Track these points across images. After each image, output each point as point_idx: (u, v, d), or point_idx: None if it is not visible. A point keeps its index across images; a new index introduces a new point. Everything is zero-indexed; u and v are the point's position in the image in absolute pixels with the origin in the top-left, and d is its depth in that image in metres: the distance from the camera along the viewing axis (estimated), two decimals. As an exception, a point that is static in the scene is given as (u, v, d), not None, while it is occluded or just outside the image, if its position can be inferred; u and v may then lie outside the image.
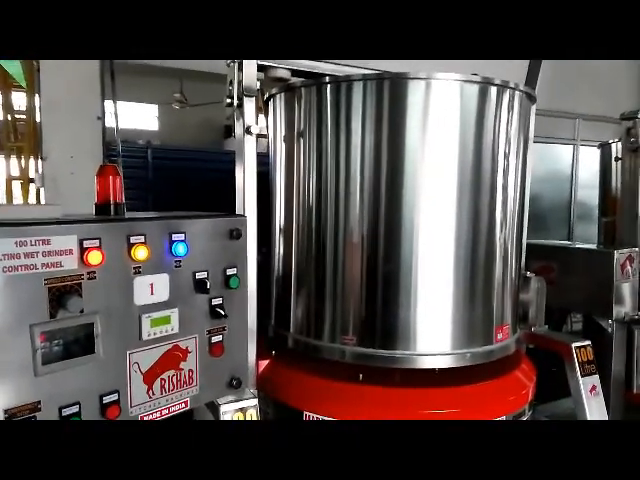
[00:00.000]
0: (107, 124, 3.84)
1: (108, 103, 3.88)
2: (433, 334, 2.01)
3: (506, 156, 2.10)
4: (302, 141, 2.12)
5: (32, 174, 4.23)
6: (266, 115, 2.45)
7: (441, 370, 2.02)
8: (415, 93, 1.92)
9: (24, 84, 3.95)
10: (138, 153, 3.98)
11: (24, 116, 4.54)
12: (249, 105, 1.95)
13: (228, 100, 1.96)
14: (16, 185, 4.71)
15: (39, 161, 3.67)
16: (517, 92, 2.10)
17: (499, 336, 2.14)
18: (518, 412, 2.10)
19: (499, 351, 2.14)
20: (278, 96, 2.25)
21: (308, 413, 1.97)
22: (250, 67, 1.99)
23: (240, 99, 1.93)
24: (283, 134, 2.25)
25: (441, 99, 1.94)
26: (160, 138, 8.22)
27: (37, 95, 3.80)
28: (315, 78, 2.15)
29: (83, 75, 3.59)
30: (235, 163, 2.08)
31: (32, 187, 4.33)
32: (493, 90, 2.02)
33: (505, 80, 2.04)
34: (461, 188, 1.98)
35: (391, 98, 1.93)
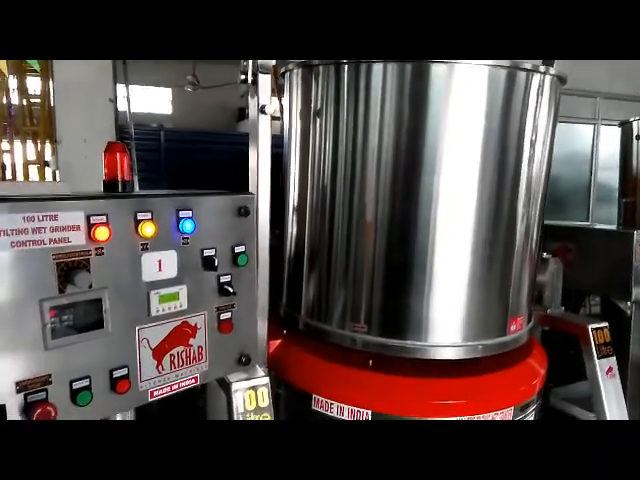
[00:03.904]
0: (120, 108, 3.86)
1: (121, 87, 3.89)
2: (446, 325, 1.97)
3: (532, 144, 2.00)
4: (318, 120, 2.06)
5: (48, 158, 4.27)
6: (279, 95, 2.40)
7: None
8: (438, 77, 1.83)
9: (38, 68, 3.97)
10: (151, 136, 3.99)
11: (39, 100, 4.57)
12: (264, 83, 1.89)
13: (242, 77, 1.89)
14: (33, 169, 4.77)
15: (54, 144, 3.71)
16: (547, 76, 1.98)
17: (512, 328, 2.09)
18: (526, 402, 2.07)
19: (512, 343, 2.10)
20: (295, 71, 2.18)
21: (317, 396, 1.96)
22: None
23: (255, 75, 1.87)
24: (299, 111, 2.18)
25: (466, 84, 1.84)
26: (174, 121, 8.24)
27: (51, 79, 3.83)
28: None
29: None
30: (248, 144, 2.02)
31: (48, 171, 4.37)
32: (522, 75, 1.90)
33: (535, 64, 1.93)
34: (483, 177, 1.90)
35: (413, 82, 1.85)
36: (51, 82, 3.85)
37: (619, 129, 3.80)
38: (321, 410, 1.94)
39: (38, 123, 4.67)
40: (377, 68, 1.87)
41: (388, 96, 1.87)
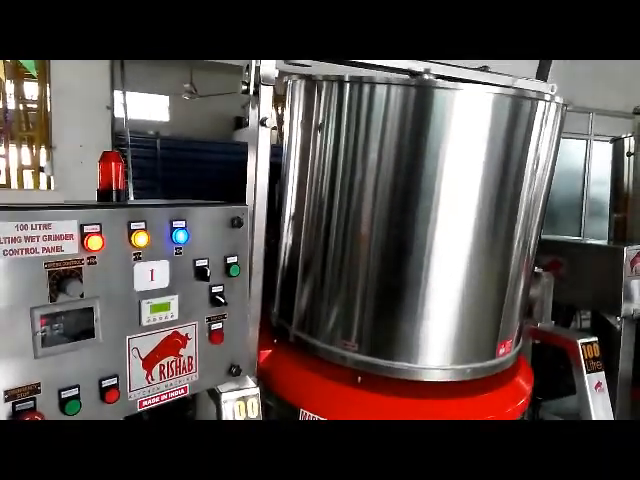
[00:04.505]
0: (117, 114, 3.87)
1: (119, 93, 3.91)
2: (436, 348, 1.96)
3: (534, 171, 1.97)
4: (319, 135, 2.03)
5: (43, 163, 4.27)
6: (276, 105, 2.40)
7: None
8: (442, 103, 1.80)
9: (35, 73, 3.98)
10: (147, 143, 4.01)
11: (35, 105, 4.58)
12: (265, 94, 1.86)
13: (244, 87, 1.86)
14: (27, 174, 4.76)
15: (49, 150, 3.71)
16: (552, 103, 1.94)
17: (501, 351, 2.08)
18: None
19: (500, 365, 2.09)
20: (298, 82, 2.16)
21: (305, 411, 1.94)
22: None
23: (257, 86, 1.84)
24: (300, 123, 2.17)
25: (469, 112, 1.81)
26: (171, 129, 8.26)
27: (48, 85, 3.84)
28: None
29: (93, 65, 3.61)
30: (247, 154, 2.00)
31: (43, 176, 4.37)
32: (526, 103, 1.88)
33: (540, 92, 1.91)
34: (482, 203, 1.88)
35: (416, 106, 1.82)
36: (48, 87, 3.86)
37: (611, 145, 3.85)
38: (308, 424, 1.94)
39: (34, 128, 4.68)
40: (380, 89, 1.84)
41: (390, 119, 1.84)
